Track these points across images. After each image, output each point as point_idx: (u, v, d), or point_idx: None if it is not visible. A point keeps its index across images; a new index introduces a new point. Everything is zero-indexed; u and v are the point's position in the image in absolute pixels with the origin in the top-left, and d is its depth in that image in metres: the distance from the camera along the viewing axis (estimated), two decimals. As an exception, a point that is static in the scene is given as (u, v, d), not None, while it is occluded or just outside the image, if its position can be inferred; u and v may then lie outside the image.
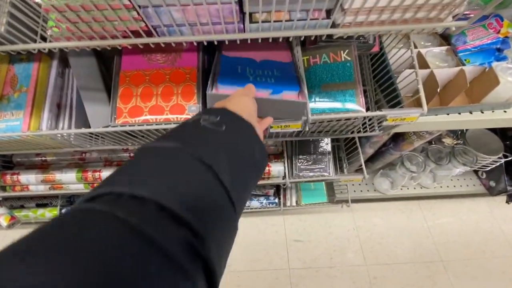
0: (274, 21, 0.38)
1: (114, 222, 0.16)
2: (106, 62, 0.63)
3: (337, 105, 0.55)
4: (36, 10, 0.40)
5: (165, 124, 0.52)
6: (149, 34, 0.40)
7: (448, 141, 0.84)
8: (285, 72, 0.57)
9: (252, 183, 0.29)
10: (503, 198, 1.25)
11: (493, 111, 0.66)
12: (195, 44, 0.53)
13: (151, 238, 0.16)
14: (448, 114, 0.67)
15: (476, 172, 1.19)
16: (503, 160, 0.93)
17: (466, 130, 0.97)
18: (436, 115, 0.66)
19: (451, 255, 1.17)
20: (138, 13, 0.36)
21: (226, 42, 0.42)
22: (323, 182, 1.15)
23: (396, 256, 1.16)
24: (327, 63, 0.57)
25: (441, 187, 1.15)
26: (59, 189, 0.84)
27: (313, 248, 1.19)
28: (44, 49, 0.43)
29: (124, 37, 0.40)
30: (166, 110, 0.52)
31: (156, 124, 0.51)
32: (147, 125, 0.50)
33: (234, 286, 1.11)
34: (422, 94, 0.50)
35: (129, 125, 0.51)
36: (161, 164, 0.22)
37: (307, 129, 0.54)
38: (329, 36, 0.58)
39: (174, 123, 0.52)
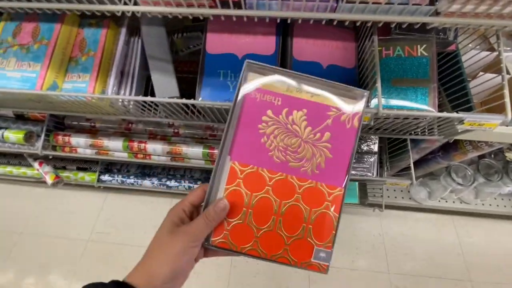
0: (373, 3, 0.36)
1: None
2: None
3: (406, 103, 0.52)
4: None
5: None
6: (236, 5, 0.39)
7: (511, 155, 0.78)
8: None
9: None
10: (549, 225, 1.17)
11: None
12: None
13: None
14: (519, 127, 0.62)
15: (524, 194, 1.11)
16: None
17: (524, 147, 0.90)
18: (507, 125, 0.62)
19: (482, 277, 1.11)
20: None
21: (311, 22, 0.41)
22: (356, 183, 1.12)
23: (422, 269, 1.12)
24: (401, 56, 0.54)
25: (483, 204, 1.09)
26: (105, 155, 0.87)
27: (335, 248, 1.17)
28: (129, 11, 0.43)
29: (211, 7, 0.40)
30: (285, 247, 0.43)
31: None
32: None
33: (253, 273, 1.12)
34: (507, 99, 0.47)
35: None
36: None
37: (372, 123, 0.51)
38: (407, 29, 0.55)
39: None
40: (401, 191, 1.14)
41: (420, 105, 0.52)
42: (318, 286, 1.08)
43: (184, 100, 0.51)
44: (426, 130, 0.65)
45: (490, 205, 1.09)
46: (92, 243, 1.17)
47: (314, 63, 0.60)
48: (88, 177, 1.11)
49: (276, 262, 0.34)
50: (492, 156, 0.91)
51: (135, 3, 0.41)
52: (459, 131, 0.59)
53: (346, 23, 0.41)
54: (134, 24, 0.64)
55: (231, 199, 0.33)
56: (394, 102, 0.52)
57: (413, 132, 0.64)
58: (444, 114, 0.47)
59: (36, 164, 1.04)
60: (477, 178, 0.89)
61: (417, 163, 0.99)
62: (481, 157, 0.94)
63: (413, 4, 0.35)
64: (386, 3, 0.36)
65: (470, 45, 0.62)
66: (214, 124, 0.79)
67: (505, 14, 0.37)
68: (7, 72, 0.59)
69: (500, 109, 0.50)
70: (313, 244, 0.33)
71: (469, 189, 0.96)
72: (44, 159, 1.06)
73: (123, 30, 0.62)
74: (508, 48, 0.65)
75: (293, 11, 0.39)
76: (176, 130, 0.87)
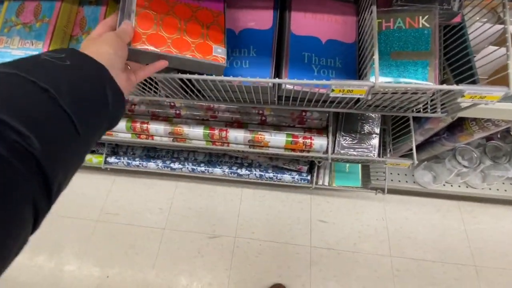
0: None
1: None
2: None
3: (406, 76, 0.51)
4: None
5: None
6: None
7: (517, 135, 0.76)
8: (347, 61, 0.58)
9: (103, 121, 0.30)
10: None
11: None
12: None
13: None
14: (527, 104, 0.60)
15: (534, 178, 1.07)
16: None
17: (535, 129, 0.87)
18: (513, 102, 0.59)
19: (486, 262, 1.10)
20: None
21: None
22: (359, 166, 1.11)
23: (425, 253, 1.12)
24: (402, 28, 0.52)
25: (489, 189, 1.06)
26: (109, 135, 0.90)
27: (337, 231, 1.18)
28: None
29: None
30: (192, 47, 0.47)
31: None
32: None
33: (255, 253, 1.14)
34: (511, 71, 0.45)
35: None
36: None
37: (369, 98, 0.50)
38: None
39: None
40: (405, 175, 1.12)
41: (420, 79, 0.51)
42: (319, 267, 1.10)
43: (180, 75, 0.52)
44: (429, 107, 0.64)
45: (498, 189, 1.06)
46: (101, 223, 1.22)
47: (313, 38, 0.59)
48: (95, 159, 1.15)
49: (188, 57, 0.46)
50: (499, 137, 0.88)
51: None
52: (462, 106, 0.57)
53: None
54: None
55: (143, 15, 0.45)
56: (393, 75, 0.51)
57: (414, 109, 0.63)
58: (443, 87, 0.46)
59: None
60: (484, 161, 0.87)
61: (421, 146, 0.97)
62: (488, 139, 0.91)
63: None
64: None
65: (477, 17, 0.60)
66: (214, 104, 0.80)
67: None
68: (12, 50, 0.60)
69: (505, 82, 0.48)
70: (211, 44, 0.49)
71: (475, 172, 0.94)
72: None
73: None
74: (519, 21, 0.62)
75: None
76: (177, 112, 0.88)
